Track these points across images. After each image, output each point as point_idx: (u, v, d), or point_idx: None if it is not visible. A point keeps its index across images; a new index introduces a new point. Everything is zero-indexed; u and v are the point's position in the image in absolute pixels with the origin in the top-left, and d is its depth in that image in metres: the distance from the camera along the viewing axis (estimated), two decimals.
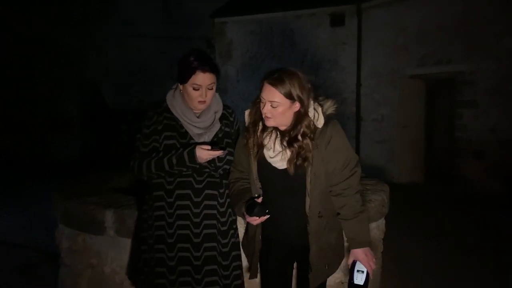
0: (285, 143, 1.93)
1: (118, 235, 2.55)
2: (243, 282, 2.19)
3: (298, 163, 1.91)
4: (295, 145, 1.90)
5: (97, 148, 12.31)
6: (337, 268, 2.14)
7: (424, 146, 9.32)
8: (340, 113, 10.21)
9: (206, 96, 2.04)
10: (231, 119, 2.25)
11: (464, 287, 3.74)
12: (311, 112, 1.93)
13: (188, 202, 2.04)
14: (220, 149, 1.97)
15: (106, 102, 13.00)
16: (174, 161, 1.99)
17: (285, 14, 10.72)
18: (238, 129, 2.27)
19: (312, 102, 1.95)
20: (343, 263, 2.16)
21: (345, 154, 1.96)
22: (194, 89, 2.02)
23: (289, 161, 1.92)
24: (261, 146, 1.98)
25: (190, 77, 2.00)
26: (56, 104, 11.93)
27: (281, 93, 1.86)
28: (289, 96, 1.87)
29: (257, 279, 2.16)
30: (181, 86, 2.06)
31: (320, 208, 1.96)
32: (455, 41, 8.13)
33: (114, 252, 2.62)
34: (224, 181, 2.15)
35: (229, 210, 2.16)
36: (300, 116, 1.92)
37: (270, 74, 1.91)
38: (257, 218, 1.91)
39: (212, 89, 2.08)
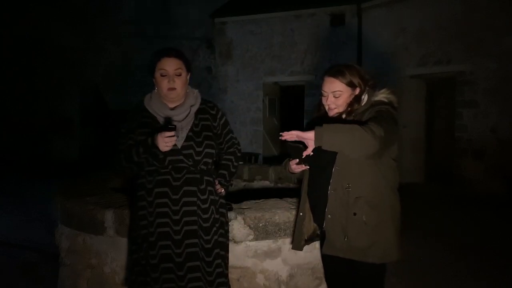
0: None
1: (118, 235, 2.55)
2: (227, 280, 2.18)
3: None
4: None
5: (97, 148, 12.31)
6: (374, 253, 2.03)
7: (424, 146, 9.32)
8: None
9: (174, 82, 2.09)
10: (213, 112, 2.25)
11: (464, 287, 3.74)
12: (363, 96, 2.10)
13: (166, 200, 2.06)
14: (170, 130, 1.96)
15: (106, 102, 13.00)
16: (141, 149, 2.02)
17: (285, 14, 10.72)
18: (225, 122, 2.30)
19: (367, 89, 2.11)
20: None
21: (384, 118, 1.96)
22: (162, 75, 2.08)
23: None
24: None
25: (156, 63, 2.09)
26: (56, 104, 11.93)
27: (342, 82, 2.08)
28: (350, 84, 2.08)
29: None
30: (154, 81, 2.13)
31: (349, 181, 2.01)
32: (455, 41, 8.13)
33: (114, 252, 2.61)
34: (205, 178, 2.14)
35: (212, 207, 2.15)
36: (355, 99, 2.09)
37: (329, 69, 2.14)
38: (292, 159, 2.08)
39: (180, 75, 2.12)
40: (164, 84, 2.10)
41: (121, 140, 2.16)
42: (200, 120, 2.18)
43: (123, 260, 2.57)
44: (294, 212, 2.55)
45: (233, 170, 2.35)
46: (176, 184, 2.06)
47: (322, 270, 2.66)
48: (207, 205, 2.12)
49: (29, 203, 6.59)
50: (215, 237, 2.14)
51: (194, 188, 2.09)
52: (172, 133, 1.95)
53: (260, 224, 2.46)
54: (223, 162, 2.34)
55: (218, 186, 2.25)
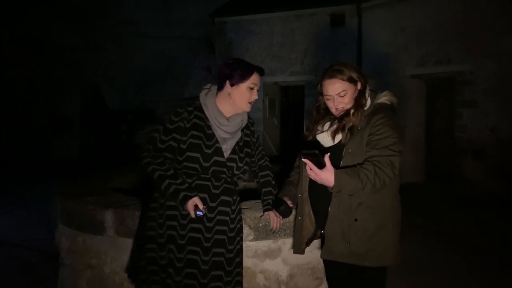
0: (336, 118, 2.10)
1: (118, 235, 2.55)
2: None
3: (338, 133, 2.05)
4: (345, 118, 2.06)
5: (97, 148, 12.31)
6: (372, 256, 2.05)
7: (424, 146, 9.32)
8: None
9: (255, 97, 2.14)
10: (252, 128, 2.30)
11: (464, 287, 3.74)
12: (367, 98, 2.10)
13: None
14: (202, 216, 2.01)
15: (106, 102, 13.00)
16: (171, 189, 2.01)
17: (285, 14, 10.72)
18: (257, 138, 2.35)
19: (368, 87, 2.11)
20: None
21: (385, 142, 1.96)
22: (250, 88, 2.09)
23: (332, 132, 2.07)
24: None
25: (249, 76, 2.08)
26: (56, 104, 11.93)
27: (343, 80, 2.06)
28: (351, 79, 2.06)
29: None
30: (229, 89, 2.09)
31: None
32: (455, 41, 8.12)
33: (114, 252, 2.61)
34: (236, 188, 2.19)
35: (238, 216, 2.20)
36: (358, 96, 2.08)
37: (325, 71, 2.11)
38: (278, 215, 2.21)
39: (257, 93, 2.17)
40: (248, 96, 2.10)
41: (162, 136, 2.07)
42: (244, 136, 2.22)
43: (123, 260, 2.57)
44: (294, 212, 2.54)
45: (273, 182, 2.40)
46: (215, 192, 2.07)
47: (322, 270, 2.66)
48: (234, 215, 2.17)
49: (29, 203, 6.59)
50: (238, 246, 2.18)
51: (229, 199, 2.13)
52: (201, 210, 1.99)
53: (260, 224, 2.46)
54: (263, 180, 2.37)
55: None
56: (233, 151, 2.13)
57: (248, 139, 2.24)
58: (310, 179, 2.15)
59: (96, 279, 2.69)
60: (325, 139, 2.12)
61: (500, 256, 4.45)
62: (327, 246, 2.10)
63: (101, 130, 12.66)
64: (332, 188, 1.89)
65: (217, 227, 2.07)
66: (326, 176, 1.87)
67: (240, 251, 2.20)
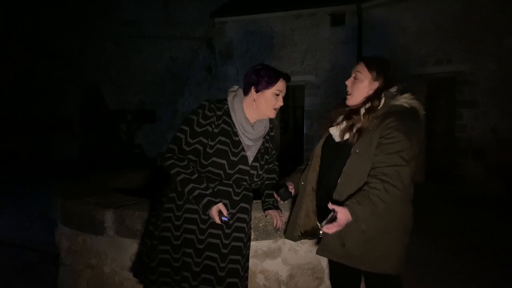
0: (346, 115, 2.08)
1: (118, 235, 2.55)
2: None
3: (346, 132, 2.02)
4: (354, 117, 2.02)
5: (97, 148, 12.31)
6: (368, 260, 1.99)
7: (424, 146, 9.31)
8: None
9: (281, 104, 2.14)
10: (272, 134, 2.29)
11: (463, 287, 3.73)
12: (381, 97, 2.04)
13: None
14: (226, 222, 2.01)
15: (106, 102, 13.00)
16: (195, 193, 1.99)
17: (285, 14, 10.72)
18: (272, 137, 2.32)
19: (388, 90, 2.05)
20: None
21: (394, 147, 1.89)
22: (276, 94, 2.09)
23: (342, 130, 2.05)
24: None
25: (275, 83, 2.08)
26: (56, 104, 11.94)
27: (365, 66, 2.06)
28: (371, 69, 2.05)
29: None
30: (255, 95, 2.09)
31: (356, 188, 1.94)
32: (455, 41, 8.13)
33: (114, 252, 2.61)
34: (252, 195, 2.19)
35: (251, 223, 2.20)
36: (373, 95, 2.04)
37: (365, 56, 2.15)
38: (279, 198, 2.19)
39: (283, 100, 2.17)
40: (273, 103, 2.10)
41: (188, 138, 2.03)
42: (265, 142, 2.22)
43: (123, 260, 2.57)
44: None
45: None
46: (236, 199, 2.08)
47: (322, 270, 2.66)
48: (250, 222, 2.18)
49: (29, 203, 6.59)
50: (248, 251, 2.18)
51: (247, 206, 2.13)
52: (226, 216, 1.99)
53: (260, 224, 2.46)
54: (268, 182, 2.33)
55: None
56: (255, 159, 2.13)
57: (268, 145, 2.25)
58: (319, 173, 2.15)
59: (96, 279, 2.69)
60: (335, 133, 2.09)
61: (500, 256, 4.45)
62: (322, 243, 2.07)
63: (101, 130, 12.66)
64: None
65: (235, 234, 2.06)
66: (343, 218, 1.82)
67: (248, 256, 2.19)
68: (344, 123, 2.05)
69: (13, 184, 8.29)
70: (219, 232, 2.03)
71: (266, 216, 2.36)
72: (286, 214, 2.46)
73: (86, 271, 2.73)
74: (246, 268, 2.16)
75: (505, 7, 7.53)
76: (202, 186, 2.00)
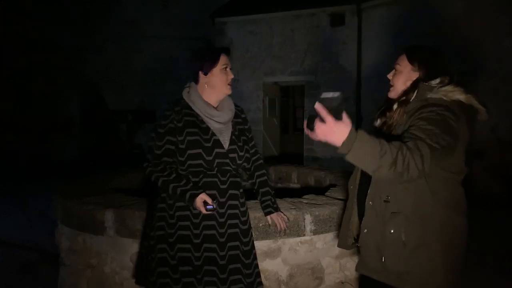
0: (381, 111, 1.92)
1: (118, 235, 2.56)
2: (261, 279, 2.21)
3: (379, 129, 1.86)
4: (387, 113, 1.87)
5: (97, 148, 12.31)
6: (412, 279, 1.72)
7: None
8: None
9: (232, 77, 2.15)
10: (243, 116, 2.29)
11: (463, 287, 3.73)
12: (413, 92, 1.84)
13: None
14: (213, 210, 2.01)
15: (106, 102, 13.00)
16: (178, 192, 2.01)
17: (285, 14, 10.72)
18: (250, 127, 2.33)
19: (428, 82, 1.83)
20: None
21: (425, 127, 1.62)
22: (223, 69, 2.12)
23: (377, 127, 1.91)
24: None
25: (218, 59, 2.11)
26: (56, 104, 11.93)
27: (406, 56, 1.88)
28: (412, 60, 1.86)
29: None
30: (205, 78, 2.12)
31: (389, 192, 1.74)
32: (455, 41, 8.12)
33: (114, 252, 2.62)
34: (241, 180, 2.20)
35: (247, 208, 2.22)
36: (410, 87, 1.84)
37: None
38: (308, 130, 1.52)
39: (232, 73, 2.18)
40: (224, 79, 2.13)
41: (157, 142, 2.08)
42: (236, 124, 2.21)
43: (123, 260, 2.57)
44: (294, 212, 2.55)
45: (271, 183, 2.38)
46: (223, 187, 2.08)
47: (322, 270, 2.66)
48: (244, 208, 2.18)
49: (29, 203, 6.59)
50: (252, 238, 2.21)
51: (237, 192, 2.14)
52: (211, 204, 2.00)
53: (260, 224, 2.46)
54: (260, 179, 2.32)
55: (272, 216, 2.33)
56: (231, 142, 2.13)
57: (241, 126, 2.24)
58: (360, 177, 1.94)
59: (96, 279, 2.69)
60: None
61: (500, 256, 4.45)
62: (361, 259, 1.91)
63: (101, 130, 12.66)
64: (340, 146, 1.44)
65: (229, 221, 2.08)
66: (338, 128, 1.41)
67: (253, 244, 2.21)
68: (378, 121, 1.92)
69: (13, 184, 8.29)
70: (213, 223, 2.05)
71: (268, 221, 2.39)
72: (287, 213, 2.46)
73: (86, 271, 2.73)
74: (254, 255, 2.18)
75: (505, 7, 7.53)
76: (182, 183, 2.02)
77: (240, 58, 11.32)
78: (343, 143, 1.42)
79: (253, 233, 2.30)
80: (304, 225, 2.55)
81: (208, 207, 1.99)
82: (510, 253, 4.54)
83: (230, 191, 2.10)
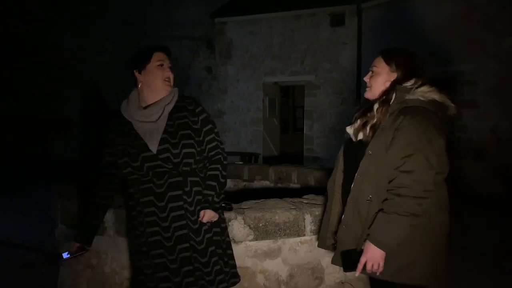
0: (361, 112, 1.96)
1: (118, 235, 2.56)
2: (225, 275, 2.13)
3: (360, 131, 1.91)
4: (368, 114, 1.91)
5: (97, 148, 12.30)
6: (394, 275, 1.82)
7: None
8: (340, 112, 10.23)
9: (169, 74, 2.10)
10: (190, 108, 2.13)
11: (463, 287, 3.73)
12: (392, 93, 1.90)
13: (153, 208, 2.02)
14: (81, 249, 2.16)
15: (106, 102, 13.00)
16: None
17: (285, 14, 10.72)
18: (206, 119, 2.15)
19: (407, 82, 1.90)
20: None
21: (407, 149, 1.76)
22: (159, 65, 2.08)
23: (356, 129, 1.95)
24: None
25: (151, 56, 2.08)
26: (56, 104, 11.93)
27: (382, 59, 1.96)
28: (389, 62, 1.94)
29: None
30: (141, 77, 2.10)
31: (371, 192, 1.81)
32: (455, 41, 8.12)
33: (114, 252, 2.61)
34: (189, 179, 2.05)
35: (199, 207, 2.08)
36: (389, 88, 1.91)
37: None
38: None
39: (171, 71, 2.12)
40: (161, 75, 2.09)
41: (103, 157, 2.15)
42: (175, 119, 2.07)
43: (123, 260, 2.57)
44: (294, 212, 2.55)
45: (222, 180, 2.15)
46: (160, 191, 2.01)
47: (322, 270, 2.66)
48: (193, 208, 2.06)
49: (29, 203, 6.59)
50: (207, 235, 2.08)
51: (179, 192, 2.03)
52: (78, 251, 2.15)
53: (260, 224, 2.46)
54: (210, 172, 2.14)
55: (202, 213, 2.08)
56: (162, 141, 2.01)
57: (184, 120, 2.08)
58: (345, 173, 2.04)
59: (96, 279, 2.69)
60: (350, 132, 1.99)
61: (500, 256, 4.45)
62: (337, 252, 1.96)
63: (101, 130, 12.65)
64: (385, 248, 1.73)
65: (175, 224, 2.02)
66: (372, 253, 1.73)
67: (214, 241, 2.11)
68: (358, 121, 1.93)
69: (13, 184, 8.28)
70: (157, 229, 2.02)
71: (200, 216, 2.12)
72: (287, 213, 2.46)
73: (86, 271, 2.73)
74: (211, 253, 2.07)
75: (505, 7, 7.53)
76: (82, 220, 2.23)
77: (240, 58, 11.33)
78: (383, 246, 1.74)
79: (252, 234, 2.28)
80: (304, 225, 2.55)
81: (64, 255, 2.11)
82: (510, 253, 4.54)
83: (170, 193, 2.01)
